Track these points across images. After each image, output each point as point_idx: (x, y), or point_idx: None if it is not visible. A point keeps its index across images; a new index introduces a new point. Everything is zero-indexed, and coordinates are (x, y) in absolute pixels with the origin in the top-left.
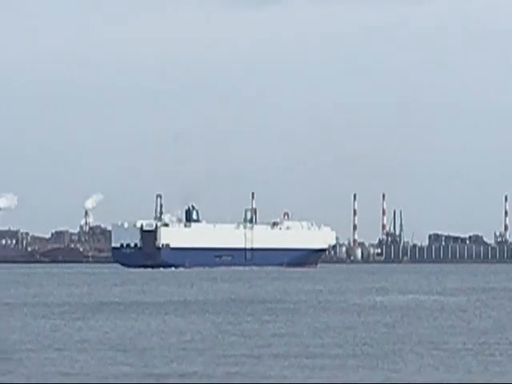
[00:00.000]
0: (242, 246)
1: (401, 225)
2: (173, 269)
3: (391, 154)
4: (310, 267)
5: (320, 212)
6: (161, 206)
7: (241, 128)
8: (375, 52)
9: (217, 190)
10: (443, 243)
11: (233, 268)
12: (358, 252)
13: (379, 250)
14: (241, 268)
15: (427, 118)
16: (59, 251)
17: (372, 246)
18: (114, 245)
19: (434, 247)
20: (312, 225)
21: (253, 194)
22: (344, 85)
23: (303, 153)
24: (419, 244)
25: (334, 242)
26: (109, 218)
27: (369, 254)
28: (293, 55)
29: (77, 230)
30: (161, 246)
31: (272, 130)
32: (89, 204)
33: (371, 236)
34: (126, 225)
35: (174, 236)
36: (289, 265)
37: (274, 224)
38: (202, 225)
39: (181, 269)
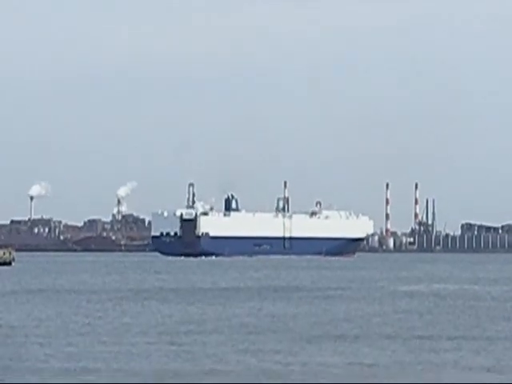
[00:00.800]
0: (280, 234)
1: (433, 214)
2: (213, 257)
3: (424, 143)
4: (348, 256)
5: (352, 201)
6: (193, 194)
7: (277, 117)
8: (414, 39)
9: (254, 178)
10: (476, 233)
11: (271, 257)
12: (391, 241)
13: (411, 239)
14: (279, 257)
15: (461, 105)
16: (91, 240)
17: (404, 235)
18: (153, 233)
19: (466, 237)
20: (350, 214)
21: (285, 182)
22: (377, 74)
23: (337, 142)
24: (452, 233)
25: (371, 231)
26: (141, 207)
27: (401, 244)
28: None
29: (109, 219)
30: (200, 234)
31: (305, 126)
32: (122, 192)
33: (404, 225)
34: (165, 214)
35: (213, 225)
36: (327, 254)
37: (313, 213)
38: (241, 214)
39: (220, 257)
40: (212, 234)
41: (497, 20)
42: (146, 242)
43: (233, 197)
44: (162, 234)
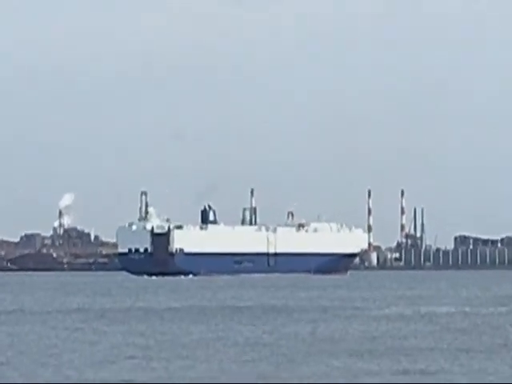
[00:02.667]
0: (264, 250)
1: (422, 226)
2: (188, 276)
3: (411, 145)
4: (340, 274)
5: (329, 211)
6: (146, 204)
7: (244, 123)
8: (389, 39)
9: (230, 187)
10: (471, 246)
11: (254, 275)
12: (374, 257)
13: (397, 255)
14: (263, 275)
15: (455, 105)
16: (29, 257)
17: (389, 249)
18: (120, 250)
19: (460, 251)
20: (342, 226)
21: (252, 191)
22: (356, 73)
23: (311, 146)
24: (443, 247)
25: (366, 245)
26: (86, 219)
27: (385, 259)
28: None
29: (50, 233)
30: (174, 250)
31: (278, 124)
32: (63, 203)
33: (388, 239)
34: (133, 227)
35: (188, 240)
36: (316, 271)
37: (300, 226)
38: (220, 227)
39: (196, 276)
40: (187, 250)
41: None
42: (91, 260)
43: (210, 208)
44: (130, 250)
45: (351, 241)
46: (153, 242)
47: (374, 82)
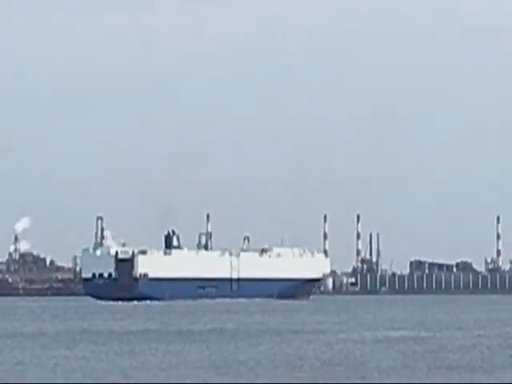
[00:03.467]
0: (227, 275)
1: (378, 250)
2: (151, 302)
3: (367, 170)
4: (303, 299)
5: (285, 236)
6: (102, 229)
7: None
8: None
9: (191, 211)
10: (426, 271)
11: (217, 300)
12: (329, 282)
13: (353, 280)
14: (226, 300)
15: (408, 131)
16: None
17: (345, 274)
18: (84, 275)
19: (416, 276)
20: (304, 251)
21: (208, 215)
22: (315, 96)
23: (267, 170)
24: (399, 272)
25: (328, 270)
26: (42, 244)
27: (341, 284)
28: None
29: (5, 258)
30: (138, 276)
31: (231, 144)
32: (19, 227)
33: (344, 263)
34: (98, 252)
35: (152, 265)
36: (279, 296)
37: (263, 251)
38: (184, 252)
39: (159, 301)
40: (151, 275)
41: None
42: (47, 286)
43: (174, 233)
44: (93, 275)
45: (313, 266)
46: (117, 267)
47: (333, 107)
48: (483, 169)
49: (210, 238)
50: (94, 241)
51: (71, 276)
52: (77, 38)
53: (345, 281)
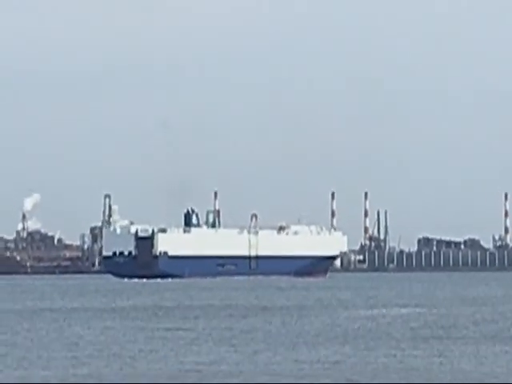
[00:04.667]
0: (246, 253)
1: (386, 228)
2: (171, 279)
3: (375, 148)
4: (320, 276)
5: (293, 214)
6: (109, 207)
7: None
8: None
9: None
10: (434, 248)
11: (236, 278)
12: (337, 259)
13: (361, 257)
14: (245, 277)
15: (417, 108)
16: None
17: (353, 252)
18: (105, 253)
19: (423, 253)
20: (321, 229)
21: (215, 193)
22: (321, 73)
23: (275, 148)
24: (407, 249)
25: (345, 248)
26: (50, 222)
27: (349, 262)
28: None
29: (13, 236)
30: (158, 254)
31: (242, 125)
32: (27, 205)
33: (352, 241)
34: (118, 230)
35: (172, 243)
36: (297, 274)
37: (281, 228)
38: (203, 230)
39: (179, 279)
40: (171, 253)
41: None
42: (55, 264)
43: (193, 211)
44: (114, 253)
45: (331, 243)
46: (137, 246)
47: (336, 84)
48: (491, 145)
49: (218, 215)
50: (101, 218)
51: (79, 254)
52: None
53: (353, 258)
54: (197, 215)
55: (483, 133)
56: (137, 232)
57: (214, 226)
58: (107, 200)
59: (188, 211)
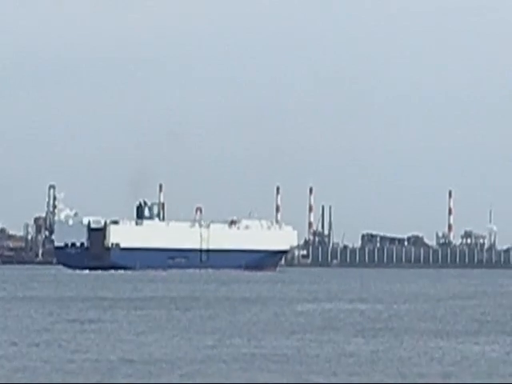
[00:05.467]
0: (197, 246)
1: (330, 223)
2: (122, 271)
3: (320, 142)
4: (270, 270)
5: (236, 208)
6: (54, 198)
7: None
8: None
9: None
10: (378, 244)
11: (187, 271)
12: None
13: (305, 252)
14: (196, 270)
15: (361, 104)
16: None
17: (297, 247)
18: (56, 244)
19: (367, 249)
20: (272, 224)
21: (160, 186)
22: (272, 67)
23: (221, 141)
24: (351, 245)
25: (295, 242)
26: None
27: (293, 257)
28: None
29: None
30: (110, 245)
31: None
32: None
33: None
34: (70, 222)
35: (124, 235)
36: (247, 267)
37: (232, 222)
38: (155, 223)
39: (130, 271)
40: (123, 245)
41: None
42: None
43: (145, 203)
44: (66, 244)
45: (281, 238)
46: (89, 237)
47: (287, 78)
48: (435, 143)
49: (163, 208)
50: (45, 209)
51: (22, 244)
52: None
53: (296, 253)
54: (149, 208)
55: (428, 129)
56: (89, 223)
57: (158, 217)
58: (52, 191)
59: (140, 203)
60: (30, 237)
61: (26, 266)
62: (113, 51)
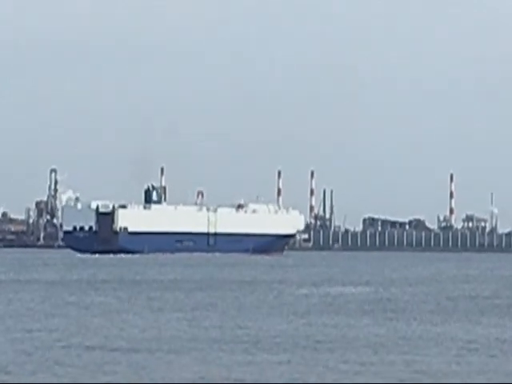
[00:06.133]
0: (204, 230)
1: (331, 207)
2: (131, 255)
3: (321, 126)
4: (276, 254)
5: (239, 191)
6: (55, 182)
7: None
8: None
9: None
10: (379, 228)
11: (194, 254)
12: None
13: (306, 236)
14: (203, 254)
15: (361, 88)
16: None
17: (298, 230)
18: (65, 228)
19: (368, 233)
20: (279, 208)
21: (162, 169)
22: (266, 51)
23: (221, 125)
24: (352, 229)
25: (302, 227)
26: None
27: (295, 241)
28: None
29: None
30: (118, 229)
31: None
32: None
33: None
34: (79, 206)
35: (132, 219)
36: (254, 251)
37: (239, 206)
38: (163, 207)
39: (139, 255)
40: (131, 229)
41: None
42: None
43: (153, 187)
44: (75, 228)
45: (288, 222)
46: (98, 221)
47: (287, 64)
48: (437, 127)
49: (165, 192)
50: (47, 193)
51: (24, 228)
52: None
53: (298, 237)
54: (157, 192)
55: (430, 114)
56: (97, 208)
57: (159, 201)
58: (53, 174)
59: (148, 187)
60: (31, 221)
61: (29, 250)
62: (116, 38)
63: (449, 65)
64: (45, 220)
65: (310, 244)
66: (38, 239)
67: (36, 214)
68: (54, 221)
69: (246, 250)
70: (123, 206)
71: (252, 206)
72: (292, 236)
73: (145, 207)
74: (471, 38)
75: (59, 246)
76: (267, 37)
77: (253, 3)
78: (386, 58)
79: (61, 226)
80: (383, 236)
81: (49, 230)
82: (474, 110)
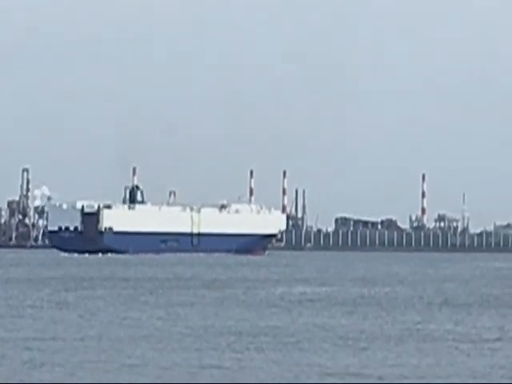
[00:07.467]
0: (188, 230)
1: (304, 207)
2: (115, 255)
3: (293, 126)
4: (258, 254)
5: (211, 191)
6: (27, 181)
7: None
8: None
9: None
10: (351, 228)
11: (178, 254)
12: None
13: (279, 236)
14: (187, 254)
15: (333, 87)
16: None
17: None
18: (50, 228)
19: (341, 232)
20: (261, 208)
21: (134, 169)
22: (246, 51)
23: (195, 124)
24: (324, 229)
25: (284, 226)
26: None
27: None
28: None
29: None
30: (103, 229)
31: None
32: None
33: None
34: (64, 206)
35: (117, 219)
36: (237, 251)
37: (222, 207)
38: (147, 207)
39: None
40: (116, 228)
41: None
42: None
43: (137, 188)
44: (60, 228)
45: (270, 222)
46: (83, 221)
47: (260, 62)
48: (409, 127)
49: (143, 193)
50: (19, 193)
51: None
52: None
53: None
54: (141, 192)
55: (402, 114)
56: (83, 208)
57: (133, 201)
58: (25, 174)
59: (133, 187)
60: (3, 220)
61: (1, 250)
62: (93, 33)
63: (424, 65)
64: (17, 220)
65: (283, 244)
66: (10, 239)
67: (8, 213)
68: (26, 221)
69: (230, 250)
70: (108, 207)
71: (235, 207)
72: (274, 236)
73: (129, 207)
74: (453, 40)
75: (31, 246)
76: (244, 35)
77: (253, 3)
78: (357, 59)
79: (33, 225)
80: (355, 236)
81: (21, 229)
82: (446, 110)
